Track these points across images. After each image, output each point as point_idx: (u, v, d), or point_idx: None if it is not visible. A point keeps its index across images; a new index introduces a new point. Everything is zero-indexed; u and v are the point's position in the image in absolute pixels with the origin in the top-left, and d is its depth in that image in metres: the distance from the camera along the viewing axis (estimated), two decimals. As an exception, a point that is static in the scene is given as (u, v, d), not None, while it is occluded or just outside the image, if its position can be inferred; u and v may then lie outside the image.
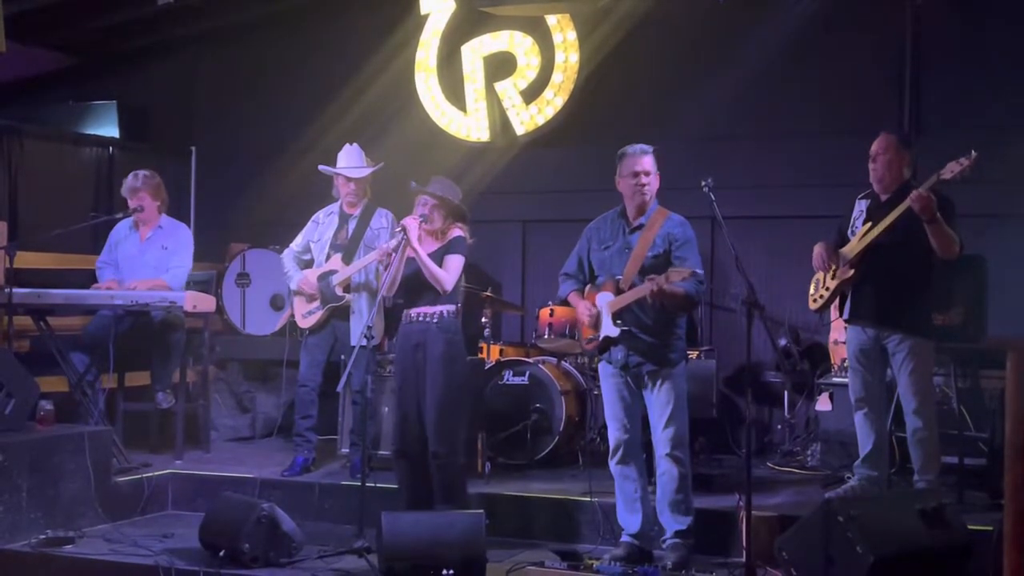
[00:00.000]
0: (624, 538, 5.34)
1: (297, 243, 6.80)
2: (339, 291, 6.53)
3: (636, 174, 5.26)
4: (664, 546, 5.26)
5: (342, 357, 6.53)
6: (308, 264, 6.75)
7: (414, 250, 5.46)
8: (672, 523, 5.24)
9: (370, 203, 6.73)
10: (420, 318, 5.54)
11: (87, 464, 5.97)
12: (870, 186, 5.61)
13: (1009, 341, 3.87)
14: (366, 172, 6.67)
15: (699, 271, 5.11)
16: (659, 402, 5.22)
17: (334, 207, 6.77)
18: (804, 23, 7.44)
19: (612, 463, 5.36)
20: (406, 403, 5.57)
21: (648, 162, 5.28)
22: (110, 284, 6.88)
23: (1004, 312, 6.03)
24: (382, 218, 6.68)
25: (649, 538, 5.34)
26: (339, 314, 6.58)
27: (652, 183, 5.29)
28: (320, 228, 6.74)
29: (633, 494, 5.32)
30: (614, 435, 5.34)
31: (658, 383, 5.22)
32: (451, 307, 5.57)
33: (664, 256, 5.21)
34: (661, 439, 5.22)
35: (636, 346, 5.22)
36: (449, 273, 5.50)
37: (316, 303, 6.61)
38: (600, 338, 5.29)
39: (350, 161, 6.68)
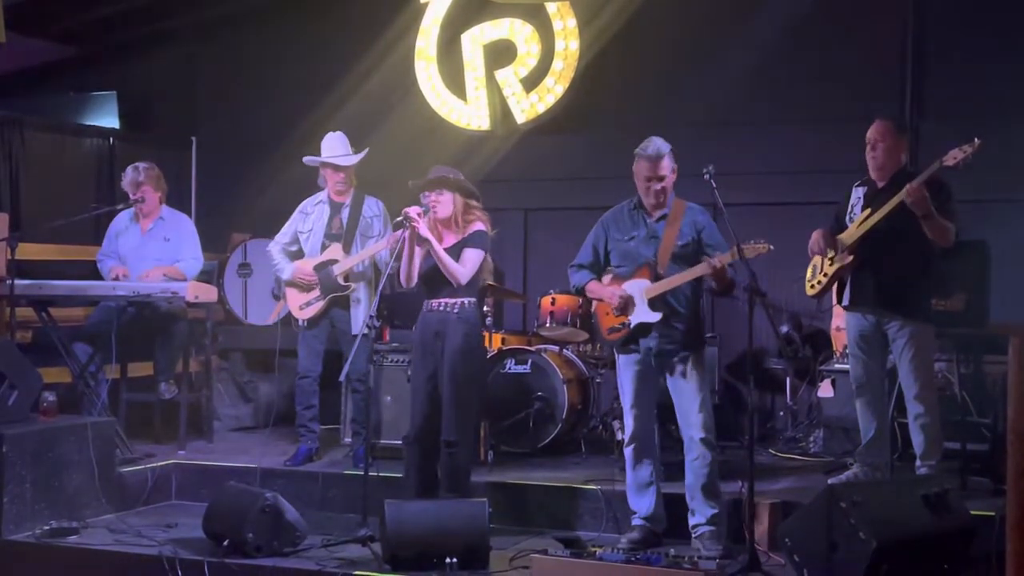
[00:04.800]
0: (636, 521, 5.37)
1: (285, 234, 6.74)
2: (341, 280, 6.52)
3: (648, 179, 5.25)
4: (697, 534, 5.25)
5: (345, 347, 6.53)
6: (295, 255, 6.70)
7: (429, 243, 5.42)
8: (705, 508, 5.24)
9: (358, 191, 6.70)
10: (440, 308, 5.54)
11: (91, 455, 5.98)
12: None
13: (1011, 326, 3.87)
14: (355, 159, 6.63)
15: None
16: (691, 388, 5.24)
17: (321, 196, 6.72)
18: (805, 8, 7.42)
19: (628, 450, 5.37)
20: (422, 390, 5.56)
21: (663, 166, 5.24)
22: (119, 272, 6.88)
23: (1006, 297, 6.03)
24: (374, 206, 6.66)
25: (660, 520, 5.37)
26: (339, 303, 6.56)
27: (666, 185, 5.26)
28: (310, 218, 6.68)
29: (648, 479, 5.35)
30: (633, 423, 5.34)
31: (689, 368, 5.24)
32: (472, 298, 5.57)
33: (693, 244, 5.22)
34: (694, 424, 5.23)
35: (670, 332, 5.23)
36: (465, 267, 5.49)
37: (314, 293, 6.57)
38: (632, 325, 5.26)
39: (336, 149, 6.63)
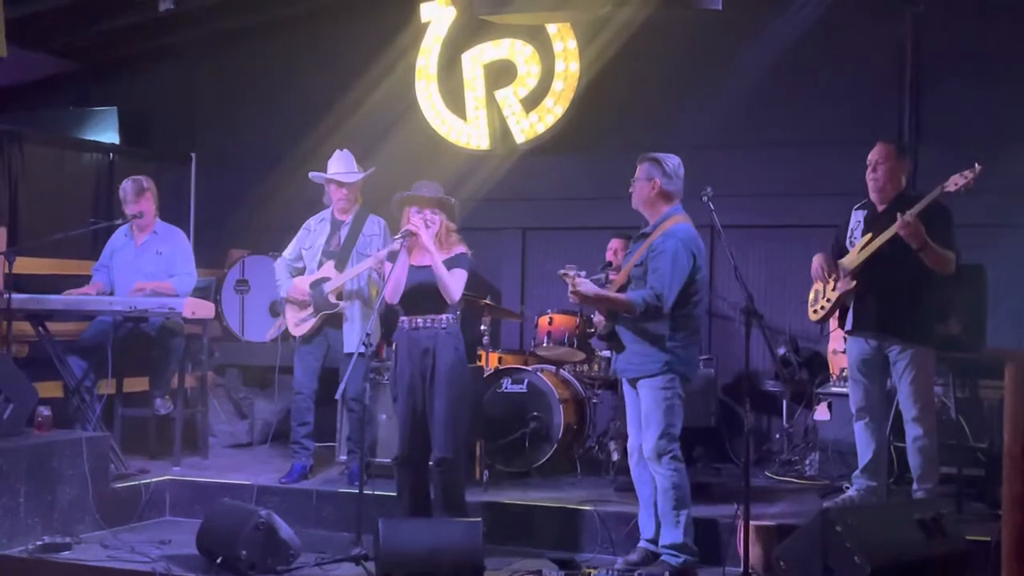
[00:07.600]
0: (641, 543, 5.33)
1: (289, 251, 6.78)
2: (332, 299, 6.52)
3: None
4: (662, 557, 5.20)
5: (340, 365, 6.53)
6: (301, 272, 6.73)
7: (431, 253, 5.41)
8: (665, 534, 5.18)
9: (362, 209, 6.73)
10: (428, 324, 5.50)
11: (85, 470, 5.96)
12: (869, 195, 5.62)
13: (1008, 351, 3.88)
14: (357, 177, 6.67)
15: (657, 286, 5.02)
16: (642, 410, 5.21)
17: (326, 214, 6.77)
18: (804, 31, 7.46)
19: (631, 466, 5.36)
20: (412, 409, 5.51)
21: (637, 170, 5.31)
22: (96, 286, 6.90)
23: (1003, 322, 6.03)
24: (375, 225, 6.67)
25: None
26: (332, 322, 6.57)
27: (631, 191, 5.31)
28: (312, 235, 6.72)
29: (649, 498, 5.30)
30: (630, 439, 5.35)
31: (644, 392, 5.19)
32: (455, 315, 5.56)
33: (643, 266, 5.20)
34: (647, 441, 5.17)
35: (626, 356, 5.26)
36: (458, 284, 5.49)
37: (308, 311, 6.59)
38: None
39: (341, 167, 6.68)
